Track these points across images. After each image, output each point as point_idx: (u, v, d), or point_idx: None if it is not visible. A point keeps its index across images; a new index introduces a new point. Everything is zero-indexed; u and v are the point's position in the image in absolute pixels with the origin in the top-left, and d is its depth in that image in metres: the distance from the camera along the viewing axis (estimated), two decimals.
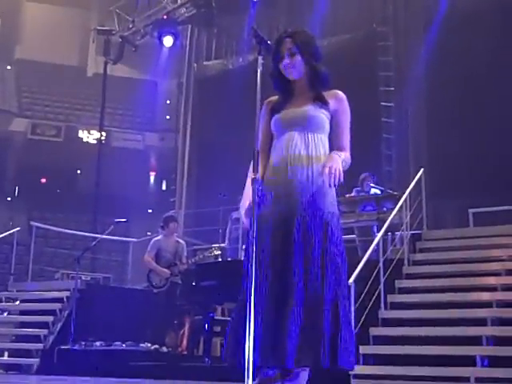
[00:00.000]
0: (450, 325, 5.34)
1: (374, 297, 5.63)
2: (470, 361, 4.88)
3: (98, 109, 14.94)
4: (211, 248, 7.13)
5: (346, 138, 2.64)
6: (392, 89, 10.94)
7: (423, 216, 6.90)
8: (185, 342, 6.65)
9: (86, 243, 9.42)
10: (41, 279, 10.06)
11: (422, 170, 7.03)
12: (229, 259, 7.55)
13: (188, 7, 12.80)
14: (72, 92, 20.20)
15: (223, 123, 11.59)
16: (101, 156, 13.42)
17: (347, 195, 7.44)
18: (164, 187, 18.94)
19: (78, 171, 20.25)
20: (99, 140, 14.63)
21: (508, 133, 9.14)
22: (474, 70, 9.56)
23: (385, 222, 6.29)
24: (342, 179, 2.43)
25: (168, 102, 18.93)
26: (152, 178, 20.71)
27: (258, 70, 2.42)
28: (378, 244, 5.91)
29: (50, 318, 7.53)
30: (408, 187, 6.72)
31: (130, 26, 12.99)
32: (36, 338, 7.34)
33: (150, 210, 18.06)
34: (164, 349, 6.45)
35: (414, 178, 6.91)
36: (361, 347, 5.19)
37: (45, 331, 7.39)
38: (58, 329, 7.38)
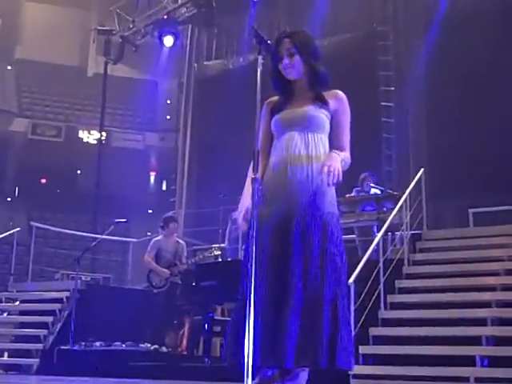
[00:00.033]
0: (450, 325, 5.33)
1: (374, 297, 5.62)
2: (469, 361, 4.88)
3: (98, 109, 14.94)
4: (211, 248, 7.13)
5: (346, 138, 2.64)
6: (392, 88, 10.94)
7: (423, 216, 6.90)
8: (185, 342, 6.65)
9: (85, 243, 9.41)
10: (41, 279, 10.07)
11: (422, 169, 7.03)
12: (229, 259, 7.54)
13: (188, 7, 12.80)
14: (72, 92, 20.20)
15: (223, 123, 11.59)
16: (101, 156, 13.41)
17: (347, 195, 7.43)
18: (164, 187, 18.94)
19: (78, 171, 20.25)
20: (99, 140, 14.62)
21: (508, 133, 9.14)
22: (474, 69, 9.56)
23: (385, 221, 6.29)
24: (340, 178, 2.43)
25: (168, 101, 18.94)
26: (152, 178, 20.72)
27: (258, 70, 2.42)
28: (377, 244, 5.91)
29: (49, 319, 7.53)
30: (408, 187, 6.72)
31: (131, 25, 12.99)
32: (36, 339, 7.34)
33: (150, 210, 18.06)
34: (164, 349, 6.45)
35: (414, 178, 6.91)
36: (360, 347, 5.19)
37: (45, 331, 7.39)
38: (57, 329, 7.38)
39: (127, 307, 7.16)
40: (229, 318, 3.07)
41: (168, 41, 12.48)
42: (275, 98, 2.72)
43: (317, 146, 2.56)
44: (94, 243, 8.35)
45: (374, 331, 5.51)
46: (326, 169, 2.42)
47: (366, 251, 5.87)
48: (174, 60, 15.05)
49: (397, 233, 6.81)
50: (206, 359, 5.96)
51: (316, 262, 2.44)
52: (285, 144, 2.58)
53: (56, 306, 7.68)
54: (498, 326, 5.28)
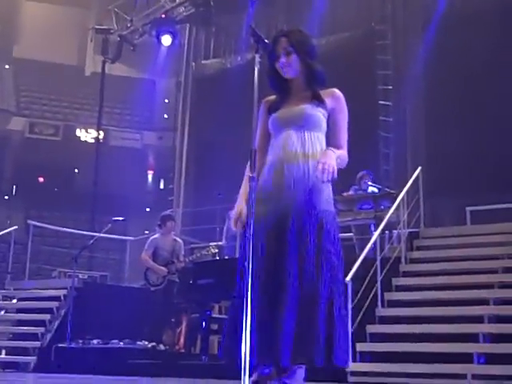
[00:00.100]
0: (447, 322, 5.35)
1: (371, 295, 5.63)
2: (466, 358, 4.89)
3: (96, 108, 14.92)
4: (208, 246, 7.14)
5: (344, 137, 2.64)
6: (390, 87, 10.94)
7: (420, 214, 6.91)
8: (182, 339, 6.66)
9: (83, 242, 9.40)
10: (38, 277, 10.05)
11: (419, 168, 7.05)
12: (226, 257, 7.55)
13: (186, 6, 12.79)
14: (70, 91, 20.16)
15: (221, 122, 11.59)
16: (99, 155, 13.38)
17: (345, 193, 7.43)
18: (162, 186, 18.92)
19: (76, 170, 20.22)
20: (97, 139, 14.61)
21: (506, 132, 9.15)
22: (472, 68, 9.56)
23: (382, 220, 6.30)
24: (335, 175, 2.43)
25: (166, 100, 18.92)
26: (150, 177, 20.69)
27: (256, 69, 2.42)
28: (375, 242, 5.93)
29: (47, 316, 7.54)
30: (406, 186, 6.73)
31: (129, 25, 12.98)
32: (33, 336, 7.35)
33: (147, 209, 18.03)
34: (161, 347, 6.45)
35: (411, 177, 6.92)
36: (358, 345, 5.20)
37: (42, 329, 7.40)
38: (55, 327, 7.39)
39: (124, 305, 7.16)
40: (226, 316, 3.08)
41: (166, 40, 12.47)
42: (272, 96, 2.72)
43: (313, 145, 2.57)
44: (91, 241, 8.32)
45: (372, 329, 5.52)
46: (320, 166, 2.42)
47: (363, 249, 5.88)
48: (171, 59, 15.03)
49: (394, 231, 6.83)
50: (204, 357, 5.97)
51: (312, 260, 2.44)
52: (282, 143, 2.58)
53: (53, 304, 7.69)
54: (494, 323, 5.30)
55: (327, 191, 2.55)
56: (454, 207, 8.82)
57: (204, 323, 6.13)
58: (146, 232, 10.57)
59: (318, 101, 2.60)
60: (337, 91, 2.67)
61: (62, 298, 7.73)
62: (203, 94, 13.15)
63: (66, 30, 20.78)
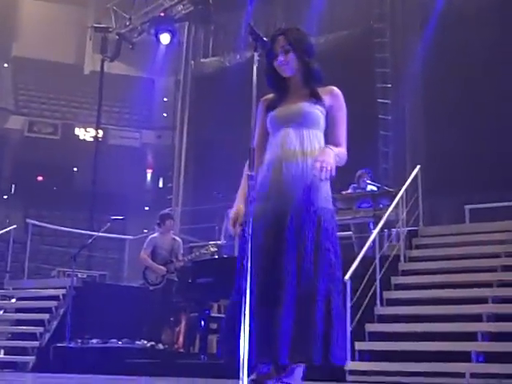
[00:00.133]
0: (446, 321, 5.35)
1: (370, 293, 5.63)
2: (465, 356, 4.89)
3: (94, 106, 14.91)
4: (207, 245, 7.13)
5: (342, 135, 2.64)
6: (389, 85, 10.93)
7: (419, 213, 6.91)
8: (181, 339, 6.66)
9: (82, 241, 9.42)
10: (37, 277, 10.04)
11: (418, 166, 7.05)
12: (225, 256, 7.53)
13: (185, 4, 12.79)
14: (69, 90, 20.13)
15: (220, 120, 11.58)
16: (97, 154, 13.38)
17: (344, 192, 7.43)
18: (161, 185, 18.92)
19: (75, 169, 20.20)
20: (96, 138, 14.59)
21: (504, 130, 9.15)
22: (470, 66, 9.56)
23: (381, 218, 6.29)
24: (333, 173, 2.43)
25: (165, 99, 18.91)
26: (149, 176, 20.67)
27: (254, 67, 2.42)
28: (374, 240, 5.92)
29: (45, 316, 7.53)
30: (404, 184, 6.72)
31: (127, 23, 12.97)
32: (32, 336, 7.34)
33: (146, 208, 18.02)
34: (160, 346, 6.45)
35: (410, 175, 6.92)
36: (357, 343, 5.20)
37: (41, 329, 7.39)
38: (53, 326, 7.38)
39: (123, 304, 7.15)
40: (224, 315, 3.07)
41: (165, 38, 12.45)
42: (270, 95, 2.72)
43: (312, 142, 2.57)
44: (90, 240, 8.33)
45: (370, 327, 5.52)
46: (318, 164, 2.42)
47: (362, 248, 5.88)
48: (170, 57, 15.02)
49: (393, 229, 6.83)
50: (203, 356, 5.97)
51: (310, 258, 2.44)
52: (280, 141, 2.58)
53: (52, 304, 7.68)
54: (493, 321, 5.30)
55: (325, 189, 2.55)
56: (453, 205, 8.82)
57: (203, 322, 6.13)
58: (145, 231, 10.56)
59: (316, 98, 2.60)
60: (335, 89, 2.67)
61: (61, 297, 7.72)
62: (202, 93, 13.14)
63: (65, 28, 20.75)
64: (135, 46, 13.17)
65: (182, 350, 6.61)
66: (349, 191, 7.59)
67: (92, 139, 17.38)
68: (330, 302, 2.42)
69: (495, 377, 4.69)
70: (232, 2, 12.29)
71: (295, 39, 2.63)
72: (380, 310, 5.72)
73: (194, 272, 6.42)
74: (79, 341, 6.75)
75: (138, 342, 6.53)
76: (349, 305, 5.05)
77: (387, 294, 5.87)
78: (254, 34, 2.46)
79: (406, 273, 6.25)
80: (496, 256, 6.08)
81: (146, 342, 6.48)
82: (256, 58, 2.44)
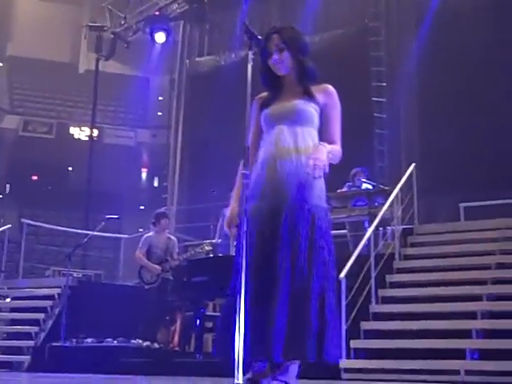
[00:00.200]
0: (441, 318, 5.36)
1: (365, 291, 5.64)
2: (460, 354, 4.90)
3: (89, 105, 14.86)
4: (202, 244, 7.12)
5: (336, 132, 2.64)
6: (384, 84, 10.95)
7: (414, 211, 6.92)
8: (176, 338, 6.64)
9: (77, 240, 9.38)
10: (32, 276, 10.01)
11: (413, 165, 7.06)
12: (220, 255, 7.51)
13: (180, 3, 12.78)
14: (64, 89, 20.09)
15: (215, 119, 11.58)
16: (92, 153, 13.32)
17: (339, 190, 7.43)
18: (156, 184, 18.89)
19: (70, 168, 20.16)
20: (91, 137, 14.56)
21: (500, 128, 9.19)
22: (465, 65, 9.58)
23: (376, 216, 6.30)
24: (326, 171, 2.43)
25: (160, 98, 18.88)
26: (144, 175, 20.65)
27: (249, 66, 2.42)
28: (369, 239, 5.93)
29: (41, 315, 7.51)
30: (400, 182, 6.74)
31: (122, 22, 12.95)
32: (27, 336, 7.32)
33: (141, 207, 18.00)
34: (155, 345, 6.44)
35: (405, 173, 6.93)
36: (352, 341, 5.21)
37: (36, 328, 7.37)
38: (49, 326, 7.37)
39: (118, 304, 7.14)
40: (219, 314, 3.07)
41: (160, 37, 12.44)
42: (265, 93, 2.73)
43: (306, 140, 2.57)
44: (85, 240, 8.30)
45: (366, 325, 5.53)
46: (311, 162, 2.42)
47: (357, 246, 5.90)
48: (165, 56, 15.00)
49: (388, 227, 6.84)
50: (198, 355, 5.96)
51: (304, 256, 2.44)
52: (274, 138, 2.58)
53: (47, 303, 7.66)
54: (488, 319, 5.31)
55: (319, 186, 2.55)
56: (448, 203, 8.84)
57: (198, 321, 6.12)
58: (140, 230, 10.54)
59: (310, 96, 2.61)
60: (329, 87, 2.67)
61: (56, 296, 7.70)
62: (197, 92, 13.13)
63: (60, 27, 20.72)
64: (130, 44, 13.15)
65: (177, 349, 6.60)
66: (344, 189, 7.60)
67: (87, 138, 17.37)
68: (324, 300, 2.42)
69: (490, 374, 4.70)
70: (227, 0, 12.29)
71: (290, 38, 2.63)
72: (375, 307, 5.73)
73: (190, 271, 6.41)
74: (74, 340, 6.74)
75: (133, 341, 6.51)
76: (344, 303, 5.06)
77: (382, 292, 5.88)
78: (249, 33, 2.47)
79: (400, 271, 6.26)
80: (490, 254, 6.10)
81: (141, 341, 6.47)
82: (251, 56, 2.45)
